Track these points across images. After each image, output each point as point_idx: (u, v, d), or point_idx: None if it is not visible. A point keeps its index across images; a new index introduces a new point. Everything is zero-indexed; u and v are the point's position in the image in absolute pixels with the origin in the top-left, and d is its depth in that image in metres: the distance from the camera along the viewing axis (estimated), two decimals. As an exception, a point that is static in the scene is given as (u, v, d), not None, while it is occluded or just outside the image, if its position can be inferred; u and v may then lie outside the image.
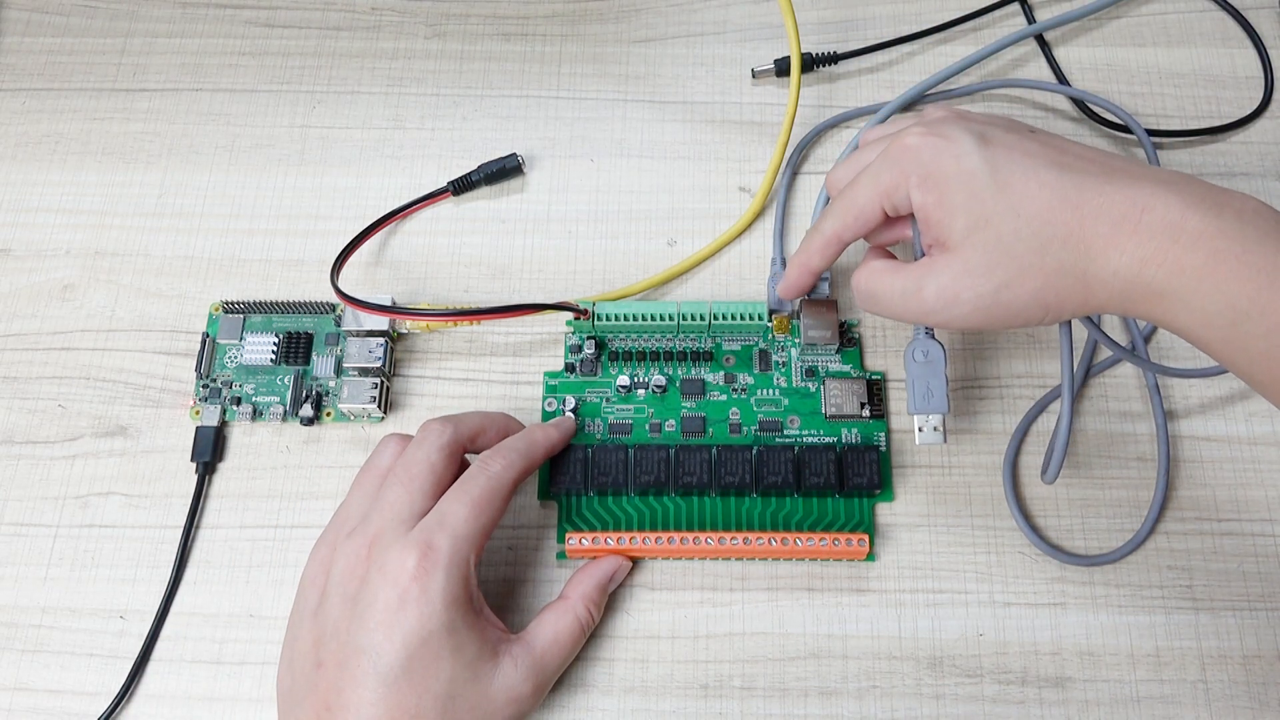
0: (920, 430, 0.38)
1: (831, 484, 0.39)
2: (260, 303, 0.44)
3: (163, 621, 0.39)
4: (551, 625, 0.36)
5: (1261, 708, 0.37)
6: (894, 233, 0.36)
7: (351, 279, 0.45)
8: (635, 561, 0.40)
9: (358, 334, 0.42)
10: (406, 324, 0.43)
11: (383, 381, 0.42)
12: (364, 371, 0.42)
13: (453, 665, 0.33)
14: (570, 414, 0.42)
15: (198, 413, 0.42)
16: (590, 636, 0.39)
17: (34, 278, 0.46)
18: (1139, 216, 0.30)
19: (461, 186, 0.47)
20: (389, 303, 0.42)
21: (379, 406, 0.42)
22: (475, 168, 0.47)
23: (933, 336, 0.39)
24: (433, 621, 0.33)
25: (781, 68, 0.49)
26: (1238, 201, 0.30)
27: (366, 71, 0.51)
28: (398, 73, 0.50)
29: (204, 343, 0.43)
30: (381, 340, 0.42)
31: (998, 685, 0.38)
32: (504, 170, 0.47)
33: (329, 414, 0.42)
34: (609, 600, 0.39)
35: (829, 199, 0.38)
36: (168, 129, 0.49)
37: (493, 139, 0.49)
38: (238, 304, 0.44)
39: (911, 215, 0.34)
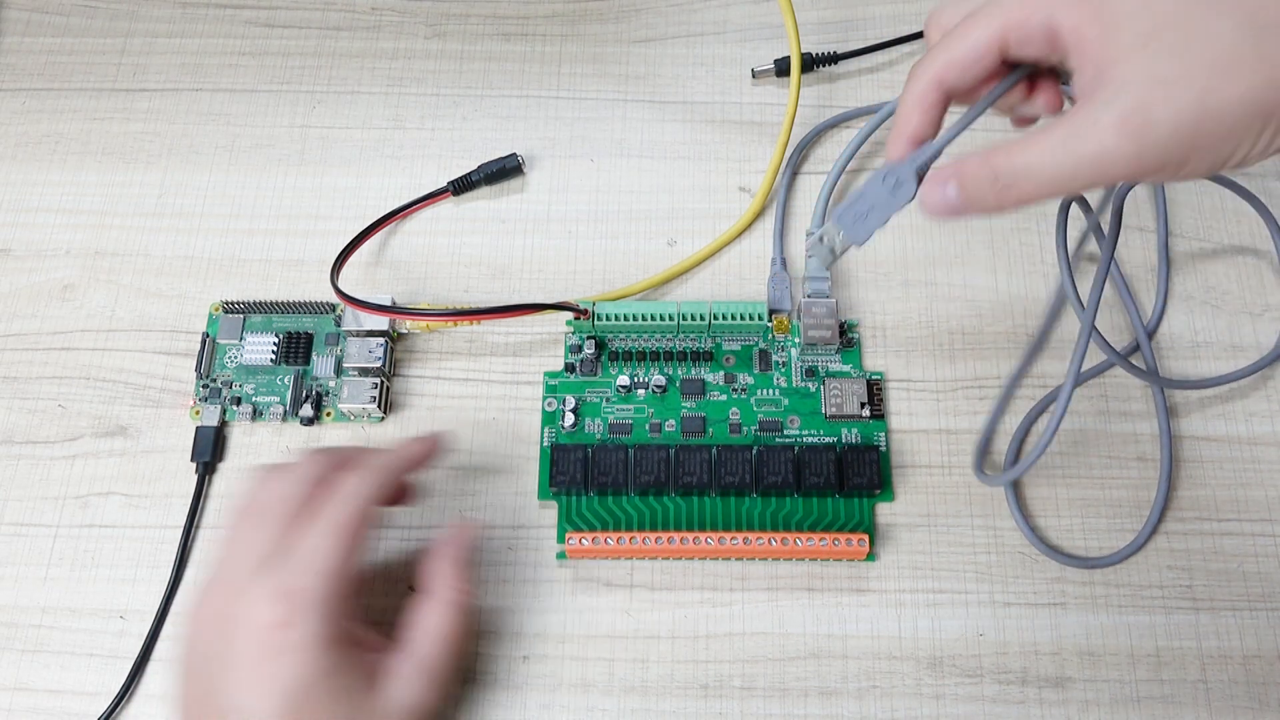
0: (821, 240, 0.32)
1: (831, 484, 0.39)
2: (260, 303, 0.44)
3: (163, 621, 0.39)
4: (427, 625, 0.34)
5: (1261, 708, 0.37)
6: (1010, 97, 0.29)
7: (351, 279, 0.45)
8: (635, 561, 0.40)
9: (358, 334, 0.42)
10: (406, 324, 0.43)
11: (383, 381, 0.42)
12: (364, 371, 0.42)
13: (341, 707, 0.31)
14: (438, 434, 0.38)
15: (198, 413, 0.42)
16: (589, 636, 0.39)
17: (34, 278, 0.46)
18: None
19: (461, 186, 0.47)
20: (389, 303, 0.42)
21: (379, 406, 0.42)
22: (475, 168, 0.47)
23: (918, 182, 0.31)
24: (309, 669, 0.30)
25: (781, 68, 0.49)
26: None
27: (366, 71, 0.51)
28: (398, 73, 0.50)
29: (204, 343, 0.43)
30: (381, 340, 0.42)
31: (998, 685, 0.38)
32: (504, 170, 0.47)
33: (329, 414, 0.42)
34: (608, 600, 0.39)
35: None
36: (168, 129, 0.49)
37: (493, 139, 0.49)
38: (238, 304, 0.44)
39: (1048, 75, 0.28)
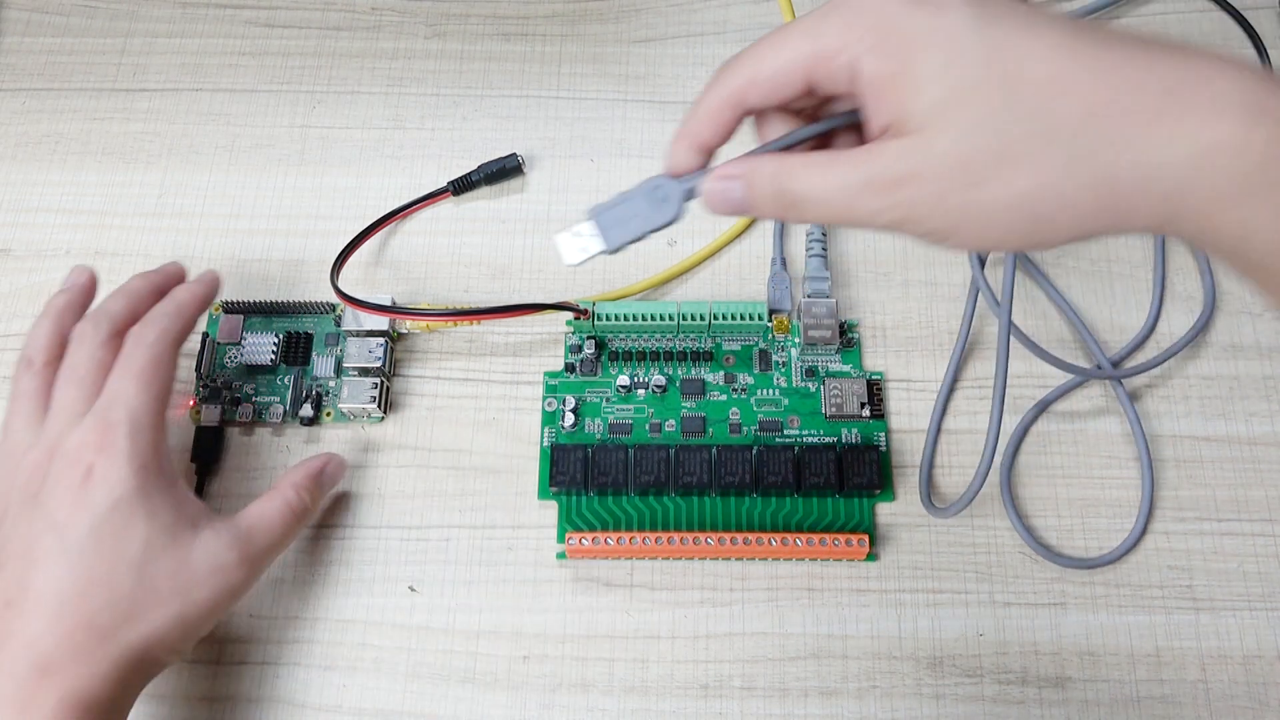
0: (575, 235, 0.31)
1: (831, 484, 0.39)
2: (260, 303, 0.44)
3: None
4: (258, 506, 0.36)
5: (1261, 708, 0.37)
6: (811, 125, 0.28)
7: (352, 279, 0.45)
8: (635, 561, 0.40)
9: (357, 334, 0.42)
10: (406, 324, 0.43)
11: (382, 381, 0.42)
12: (364, 371, 0.42)
13: (147, 529, 0.33)
14: (210, 270, 0.40)
15: (198, 414, 0.42)
16: (589, 636, 0.39)
17: (34, 278, 0.46)
18: (1200, 86, 0.21)
19: (461, 186, 0.47)
20: (389, 303, 0.42)
21: (379, 406, 0.41)
22: (475, 168, 0.47)
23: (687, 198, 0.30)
24: (121, 486, 0.33)
25: (781, 68, 0.49)
26: None
27: (366, 71, 0.51)
28: (398, 73, 0.50)
29: (204, 343, 0.43)
30: (381, 340, 0.42)
31: (998, 685, 0.38)
32: (504, 170, 0.47)
33: (329, 414, 0.42)
34: (608, 600, 0.39)
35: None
36: (168, 129, 0.49)
37: (493, 139, 0.49)
38: (238, 304, 0.44)
39: (852, 129, 0.27)
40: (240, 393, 0.43)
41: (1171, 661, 0.38)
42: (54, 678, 0.31)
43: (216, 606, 0.34)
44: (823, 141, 0.28)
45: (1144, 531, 0.40)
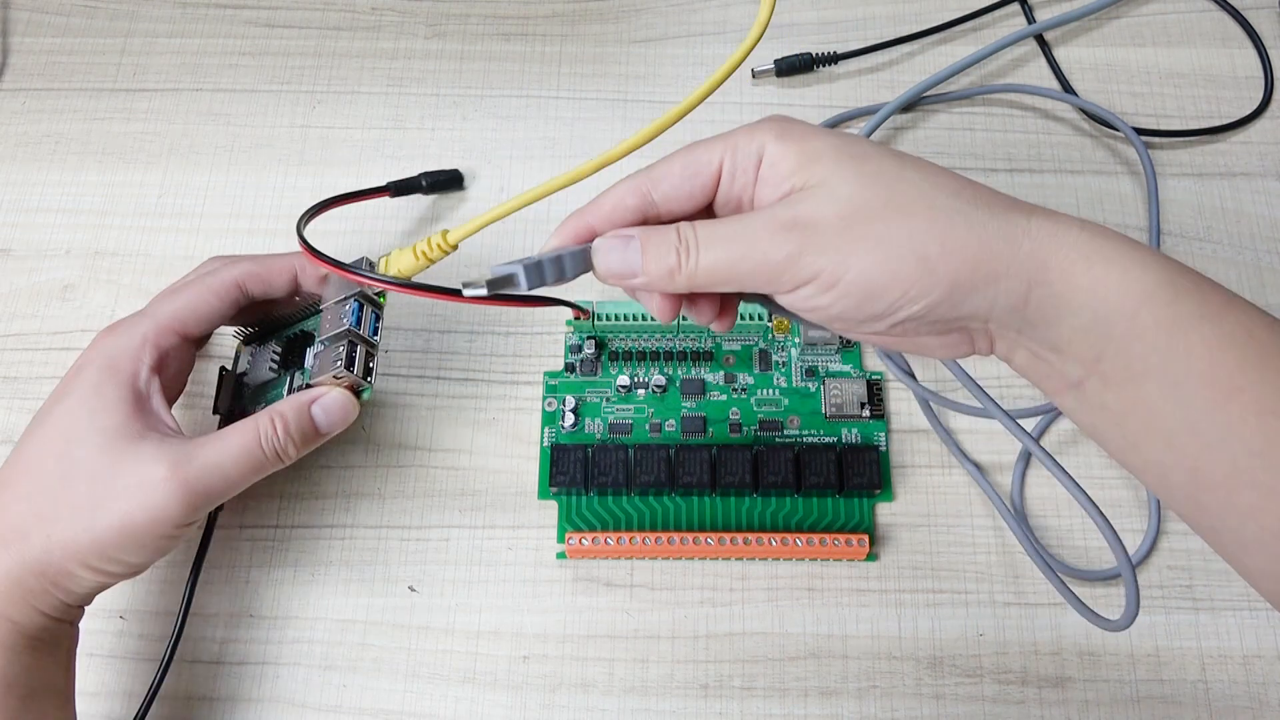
0: (492, 275, 0.29)
1: (831, 484, 0.39)
2: (275, 318, 0.39)
3: (183, 625, 0.38)
4: (224, 430, 0.33)
5: (1261, 708, 0.37)
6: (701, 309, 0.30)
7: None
8: (635, 561, 0.40)
9: (334, 305, 0.36)
10: (382, 265, 0.36)
11: (358, 346, 0.35)
12: (335, 339, 0.36)
13: (86, 426, 0.32)
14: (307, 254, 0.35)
15: None
16: (589, 636, 0.39)
17: (34, 278, 0.46)
18: (1058, 231, 0.26)
19: (401, 189, 0.45)
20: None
21: (351, 368, 0.35)
22: (418, 174, 0.46)
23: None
24: (82, 379, 0.33)
25: (781, 68, 0.49)
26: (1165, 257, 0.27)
27: (366, 71, 0.51)
28: (398, 73, 0.50)
29: (221, 377, 0.39)
30: (353, 302, 0.36)
31: (998, 685, 0.38)
32: (449, 180, 0.47)
33: None
34: (608, 600, 0.39)
35: None
36: (168, 129, 0.49)
37: (493, 139, 0.49)
38: (253, 333, 0.40)
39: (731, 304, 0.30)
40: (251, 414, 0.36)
41: (1171, 661, 0.38)
42: None
43: (130, 523, 0.31)
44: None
45: (1153, 545, 0.40)
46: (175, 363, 0.35)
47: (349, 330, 0.35)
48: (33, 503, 0.31)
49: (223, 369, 0.40)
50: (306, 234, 0.36)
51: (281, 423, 0.34)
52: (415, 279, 0.34)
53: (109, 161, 0.49)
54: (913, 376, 0.41)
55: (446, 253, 0.34)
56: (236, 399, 0.39)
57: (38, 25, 0.52)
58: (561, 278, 0.29)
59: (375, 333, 0.36)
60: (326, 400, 0.35)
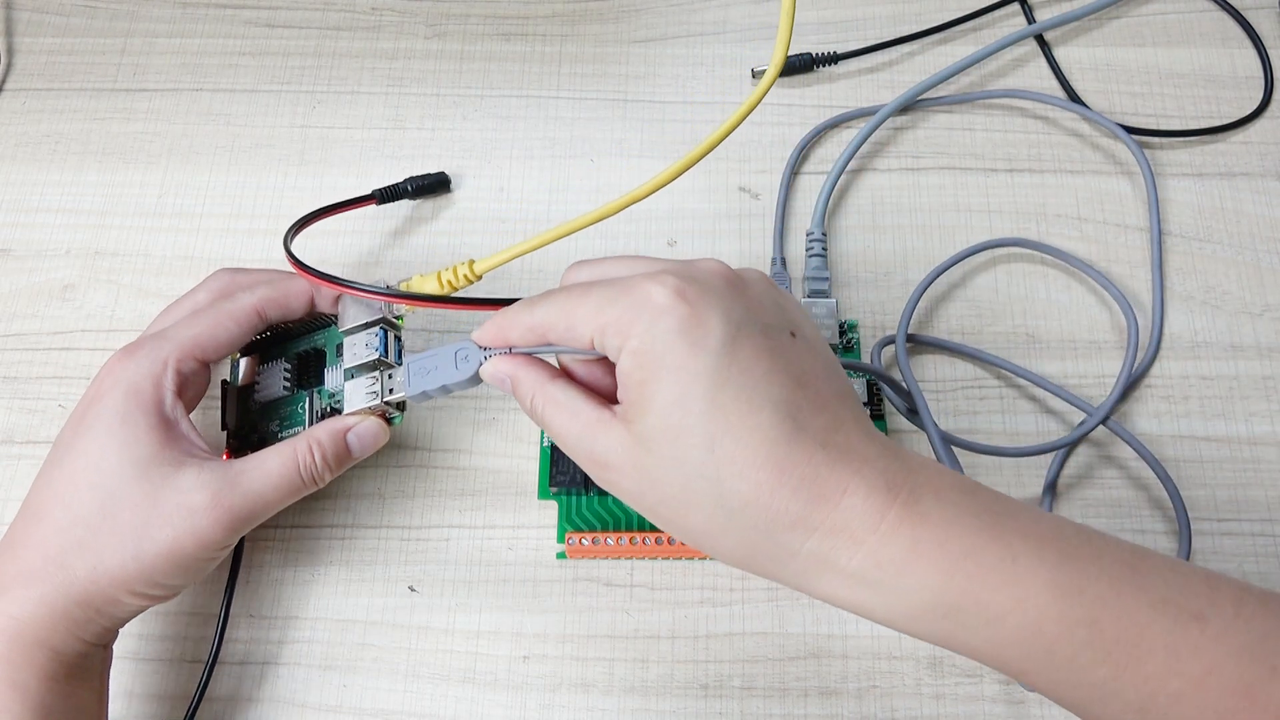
0: (387, 375, 0.35)
1: (831, 484, 0.39)
2: (273, 333, 0.39)
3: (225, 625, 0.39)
4: (261, 454, 0.34)
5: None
6: (593, 371, 0.31)
7: (351, 276, 0.45)
8: (635, 561, 0.40)
9: (355, 329, 0.37)
10: (403, 306, 0.37)
11: (389, 374, 0.36)
12: (368, 368, 0.36)
13: (119, 457, 0.32)
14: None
15: None
16: (589, 636, 0.39)
17: (34, 278, 0.46)
18: (838, 499, 0.26)
19: (386, 196, 0.45)
20: (382, 287, 0.37)
21: (387, 399, 0.35)
22: (404, 179, 0.46)
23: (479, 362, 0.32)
24: (106, 408, 0.32)
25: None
26: (934, 482, 0.27)
27: (366, 71, 0.51)
28: (398, 73, 0.50)
29: (224, 392, 0.38)
30: (377, 330, 0.36)
31: (998, 685, 0.38)
32: (436, 184, 0.46)
33: None
34: (608, 600, 0.39)
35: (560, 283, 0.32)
36: (168, 129, 0.49)
37: (493, 139, 0.49)
38: (254, 341, 0.39)
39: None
40: (266, 433, 0.38)
41: (1171, 661, 0.38)
42: None
43: (178, 549, 0.32)
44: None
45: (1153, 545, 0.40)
46: (194, 387, 0.36)
47: (380, 360, 0.36)
48: (71, 534, 0.31)
49: (225, 383, 0.39)
50: (294, 250, 0.36)
51: (320, 451, 0.35)
52: (431, 292, 0.35)
53: (109, 161, 0.49)
54: (914, 413, 0.41)
55: (471, 282, 0.35)
56: (243, 413, 0.39)
57: (38, 25, 0.52)
58: (445, 393, 0.34)
59: (400, 358, 0.37)
60: (361, 429, 0.36)
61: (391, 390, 0.35)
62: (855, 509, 0.26)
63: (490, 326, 0.31)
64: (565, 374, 0.31)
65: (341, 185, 0.48)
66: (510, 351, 0.31)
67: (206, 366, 0.36)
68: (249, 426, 0.39)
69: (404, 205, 0.47)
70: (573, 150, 0.48)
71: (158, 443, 0.33)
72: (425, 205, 0.47)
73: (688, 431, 0.27)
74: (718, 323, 0.27)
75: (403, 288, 0.36)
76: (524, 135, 0.49)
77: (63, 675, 0.31)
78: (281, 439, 0.37)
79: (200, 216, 0.47)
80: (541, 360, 0.31)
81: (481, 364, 0.33)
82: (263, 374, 0.39)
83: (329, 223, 0.45)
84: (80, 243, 0.47)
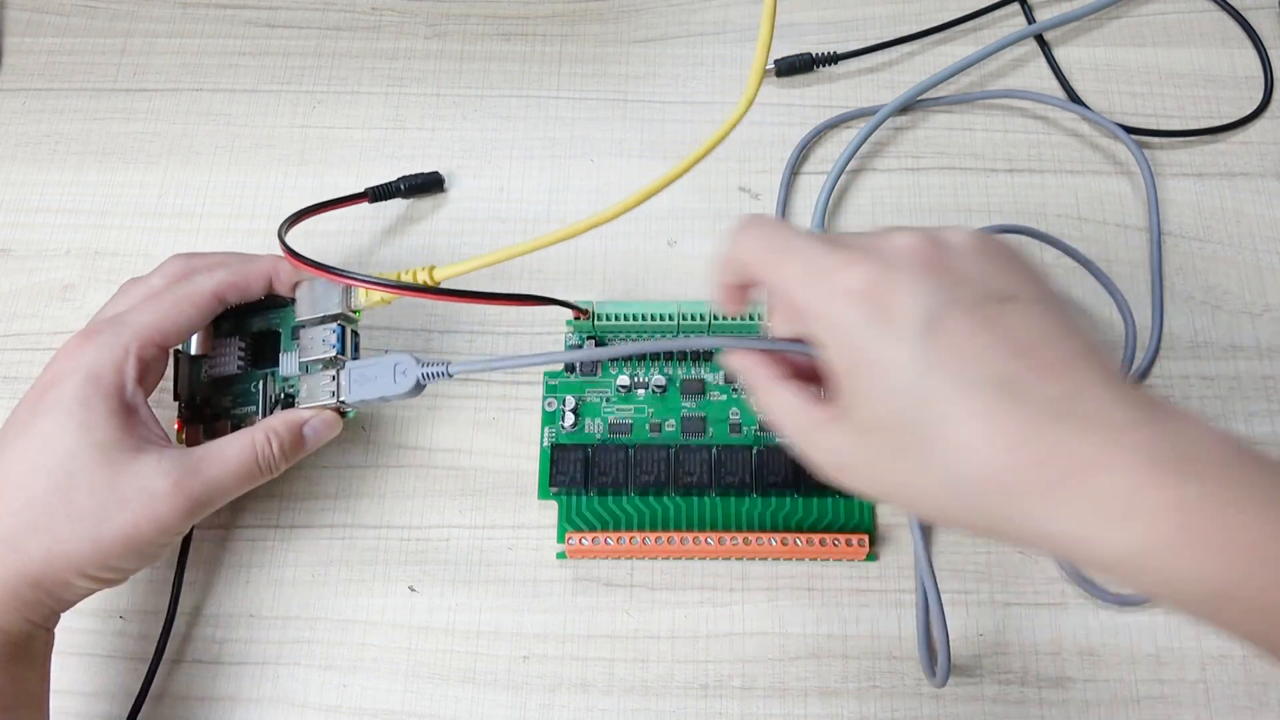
0: (332, 375, 0.36)
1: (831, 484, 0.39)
2: (230, 309, 0.39)
3: (171, 623, 0.39)
4: (220, 441, 0.35)
5: (1261, 708, 0.37)
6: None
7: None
8: (635, 561, 0.40)
9: (312, 323, 0.38)
10: (360, 299, 0.38)
11: (344, 372, 0.37)
12: (327, 364, 0.37)
13: (76, 441, 0.32)
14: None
15: (183, 438, 0.39)
16: (589, 636, 0.39)
17: (34, 278, 0.46)
18: (1088, 477, 0.24)
19: (380, 195, 0.46)
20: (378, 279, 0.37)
21: (342, 395, 0.36)
22: (397, 178, 0.46)
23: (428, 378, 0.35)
24: (65, 391, 0.32)
25: (782, 68, 0.49)
26: (1204, 455, 0.24)
27: (366, 71, 0.51)
28: (398, 73, 0.50)
29: (176, 361, 0.39)
30: (334, 326, 0.37)
31: (998, 685, 0.38)
32: (429, 183, 0.46)
33: None
34: (608, 600, 0.39)
35: (765, 233, 0.30)
36: (168, 129, 0.49)
37: (493, 139, 0.49)
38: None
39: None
40: (218, 408, 0.39)
41: (1171, 661, 0.38)
42: None
43: (136, 534, 0.32)
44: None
45: None
46: (154, 372, 0.36)
47: (336, 357, 0.37)
48: (26, 516, 0.31)
49: (177, 352, 0.39)
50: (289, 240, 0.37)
51: (277, 441, 0.36)
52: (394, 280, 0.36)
53: (109, 161, 0.49)
54: None
55: (429, 287, 0.36)
56: (195, 384, 0.40)
57: (37, 25, 0.52)
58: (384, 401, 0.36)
59: (356, 354, 0.38)
60: (315, 422, 0.37)
61: (331, 394, 0.36)
62: (1110, 489, 0.23)
63: (713, 279, 0.32)
64: (793, 372, 0.31)
65: (341, 185, 0.48)
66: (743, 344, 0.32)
67: (165, 351, 0.36)
68: (201, 399, 0.39)
69: (404, 206, 0.47)
70: (573, 150, 0.48)
71: (118, 428, 0.33)
72: (425, 205, 0.47)
73: (907, 422, 0.26)
74: (914, 306, 0.26)
75: (362, 292, 0.37)
76: (524, 135, 0.49)
77: (9, 657, 0.32)
78: (234, 415, 0.39)
79: (200, 216, 0.47)
80: (776, 358, 0.31)
81: (419, 380, 0.35)
82: (217, 348, 0.40)
83: (326, 222, 0.45)
84: (80, 243, 0.47)
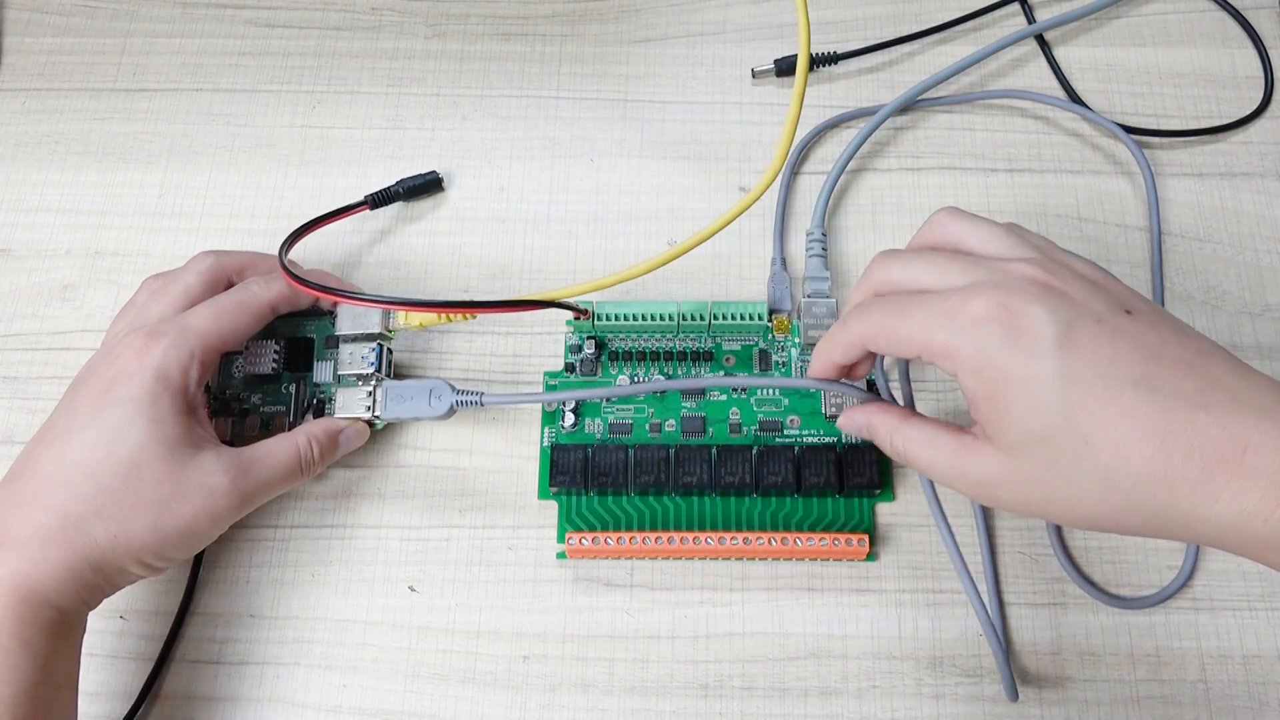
0: (370, 390, 0.40)
1: (831, 484, 0.39)
2: None
3: (181, 623, 0.39)
4: (268, 444, 0.37)
5: (1261, 708, 0.37)
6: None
7: (352, 278, 0.45)
8: (635, 561, 0.40)
9: (351, 339, 0.41)
10: (400, 321, 0.41)
11: (379, 389, 0.40)
12: (362, 378, 0.40)
13: (146, 435, 0.34)
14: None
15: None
16: (589, 636, 0.39)
17: (34, 278, 0.46)
18: (1240, 458, 0.25)
19: (379, 201, 0.46)
20: (385, 297, 0.40)
21: (371, 413, 0.40)
22: (395, 182, 0.46)
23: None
24: (135, 388, 0.34)
25: (781, 68, 0.49)
26: None
27: (366, 71, 0.51)
28: (398, 73, 0.50)
29: None
30: (373, 345, 0.40)
31: (998, 685, 0.38)
32: (428, 184, 0.47)
33: None
34: (608, 600, 0.39)
35: (875, 277, 0.32)
36: (168, 129, 0.49)
37: (493, 139, 0.49)
38: None
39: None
40: (248, 404, 0.41)
41: (1171, 661, 0.38)
42: (6, 552, 0.32)
43: (195, 525, 0.34)
44: None
45: (1191, 573, 0.40)
46: (209, 375, 0.38)
47: (374, 375, 0.40)
48: (94, 502, 0.33)
49: None
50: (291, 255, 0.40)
51: (317, 445, 0.38)
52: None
53: (109, 161, 0.49)
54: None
55: (466, 319, 0.40)
56: (227, 379, 0.42)
57: (37, 25, 0.52)
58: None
59: (389, 370, 0.41)
60: (350, 430, 0.40)
61: (365, 408, 0.40)
62: (1263, 468, 0.25)
63: (817, 359, 0.34)
64: (914, 412, 0.33)
65: (341, 185, 0.48)
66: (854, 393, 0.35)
67: (220, 356, 0.38)
68: (230, 394, 0.42)
69: (403, 206, 0.47)
70: (573, 150, 0.48)
71: (182, 425, 0.35)
72: (425, 206, 0.47)
73: (1054, 433, 0.27)
74: (1045, 323, 0.27)
75: (402, 316, 0.40)
76: (524, 135, 0.49)
77: (61, 636, 0.33)
78: (263, 413, 0.41)
79: (200, 216, 0.47)
80: (891, 404, 0.34)
81: (453, 406, 0.39)
82: (251, 347, 0.41)
83: (327, 226, 0.45)
84: (80, 243, 0.47)
